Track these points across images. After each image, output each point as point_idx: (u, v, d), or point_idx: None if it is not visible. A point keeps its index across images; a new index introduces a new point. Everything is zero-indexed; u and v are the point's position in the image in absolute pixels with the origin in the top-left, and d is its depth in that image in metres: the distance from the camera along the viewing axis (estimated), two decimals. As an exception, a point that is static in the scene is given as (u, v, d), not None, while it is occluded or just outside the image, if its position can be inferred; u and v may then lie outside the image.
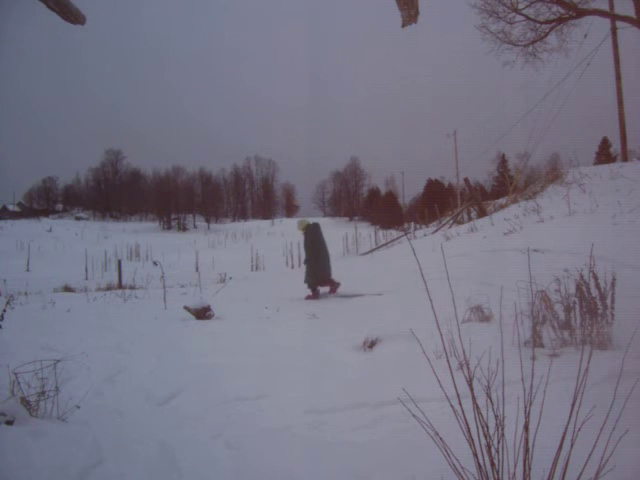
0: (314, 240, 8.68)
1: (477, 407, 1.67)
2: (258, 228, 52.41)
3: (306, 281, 8.51)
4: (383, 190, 68.98)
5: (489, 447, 1.65)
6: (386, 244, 21.75)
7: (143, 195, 67.21)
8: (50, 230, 45.13)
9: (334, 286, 8.51)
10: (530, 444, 1.61)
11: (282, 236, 40.75)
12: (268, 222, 60.79)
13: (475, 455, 1.66)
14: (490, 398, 1.68)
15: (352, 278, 10.01)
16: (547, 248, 5.94)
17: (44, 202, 72.12)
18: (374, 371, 3.65)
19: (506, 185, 19.46)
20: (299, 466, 2.27)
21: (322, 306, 6.81)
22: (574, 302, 3.51)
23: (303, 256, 9.81)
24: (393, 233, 28.68)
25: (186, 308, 6.62)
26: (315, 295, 8.31)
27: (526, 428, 1.62)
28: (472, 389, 1.72)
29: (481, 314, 4.46)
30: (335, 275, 8.71)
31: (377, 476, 2.12)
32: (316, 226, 8.86)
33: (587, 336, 3.37)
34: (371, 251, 20.48)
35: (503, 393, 1.73)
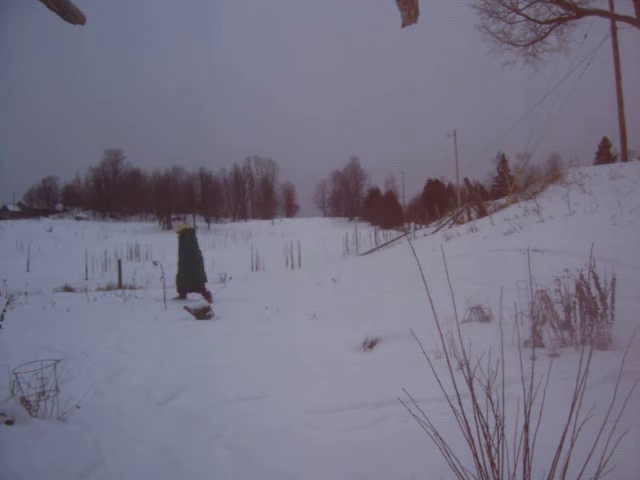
0: (181, 246, 8.82)
1: (477, 407, 1.67)
2: (258, 228, 52.42)
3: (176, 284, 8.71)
4: (383, 190, 69.02)
5: (489, 447, 1.65)
6: (386, 244, 21.73)
7: (143, 195, 67.12)
8: (50, 230, 45.12)
9: (207, 296, 8.25)
10: (530, 444, 1.61)
11: (282, 236, 40.81)
12: (268, 222, 60.81)
13: (475, 455, 1.66)
14: (490, 398, 1.68)
15: (353, 278, 10.02)
16: (547, 248, 5.93)
17: (44, 202, 72.01)
18: (374, 371, 3.65)
19: (506, 185, 19.46)
20: (299, 466, 2.27)
21: (322, 306, 6.81)
22: (574, 302, 3.52)
23: (303, 256, 9.86)
24: (393, 233, 28.66)
25: (186, 308, 6.63)
26: (182, 297, 8.50)
27: (526, 428, 1.62)
28: (472, 389, 1.71)
29: (481, 314, 4.46)
30: (335, 275, 8.71)
31: (377, 476, 2.12)
32: (190, 231, 8.98)
33: (587, 336, 3.37)
34: (371, 251, 20.46)
35: (503, 393, 1.73)
